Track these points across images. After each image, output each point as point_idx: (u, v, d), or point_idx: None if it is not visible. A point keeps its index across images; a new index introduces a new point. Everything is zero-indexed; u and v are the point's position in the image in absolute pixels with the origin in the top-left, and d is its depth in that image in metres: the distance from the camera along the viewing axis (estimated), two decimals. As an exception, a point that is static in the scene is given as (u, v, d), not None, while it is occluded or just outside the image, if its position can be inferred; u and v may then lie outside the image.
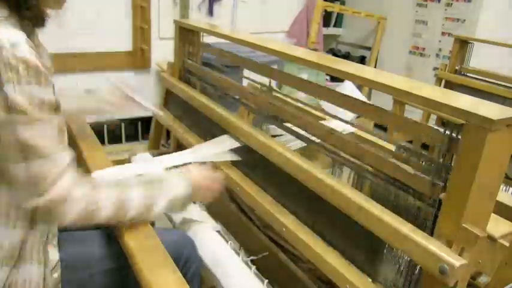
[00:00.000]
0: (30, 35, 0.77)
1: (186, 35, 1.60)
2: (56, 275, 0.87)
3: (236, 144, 1.20)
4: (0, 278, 0.79)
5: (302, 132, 1.07)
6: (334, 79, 3.71)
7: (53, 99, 0.72)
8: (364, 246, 0.85)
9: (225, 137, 1.24)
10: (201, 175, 1.01)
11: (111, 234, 0.96)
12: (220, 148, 1.21)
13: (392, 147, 0.93)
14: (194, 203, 1.19)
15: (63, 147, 0.77)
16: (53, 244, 0.88)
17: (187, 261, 0.98)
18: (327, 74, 3.39)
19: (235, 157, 1.20)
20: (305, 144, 1.09)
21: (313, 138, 1.03)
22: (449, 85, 2.41)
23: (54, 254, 0.87)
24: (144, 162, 1.34)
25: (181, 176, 0.96)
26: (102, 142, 2.63)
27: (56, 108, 0.74)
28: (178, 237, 1.03)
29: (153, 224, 1.16)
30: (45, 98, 0.70)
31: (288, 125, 1.12)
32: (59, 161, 0.74)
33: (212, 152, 1.20)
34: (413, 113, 2.51)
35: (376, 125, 3.50)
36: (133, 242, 0.86)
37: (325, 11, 3.69)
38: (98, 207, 0.80)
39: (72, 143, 1.20)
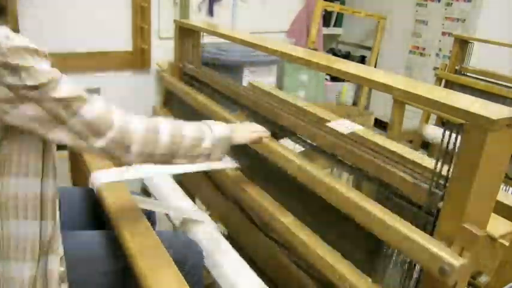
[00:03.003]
0: None
1: (186, 35, 1.60)
2: (62, 268, 0.87)
3: (234, 165, 1.21)
4: (26, 273, 0.79)
5: (301, 136, 1.07)
6: (334, 79, 3.71)
7: (55, 68, 0.76)
8: (364, 246, 0.85)
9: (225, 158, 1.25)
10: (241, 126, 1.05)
11: (111, 234, 0.96)
12: (218, 166, 1.21)
13: (392, 147, 0.93)
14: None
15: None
16: (60, 236, 0.88)
17: (192, 268, 0.98)
18: (327, 74, 3.39)
19: (234, 165, 1.21)
20: (302, 149, 1.09)
21: (312, 142, 1.03)
22: (449, 85, 2.41)
23: (61, 247, 0.87)
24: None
25: (223, 125, 0.99)
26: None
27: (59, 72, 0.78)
28: (184, 243, 1.03)
29: (153, 224, 1.16)
30: (51, 69, 0.74)
31: (287, 128, 1.12)
32: (100, 99, 0.79)
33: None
34: (413, 113, 2.52)
35: (376, 124, 3.50)
36: (134, 243, 0.86)
37: (325, 10, 3.69)
38: (157, 132, 0.83)
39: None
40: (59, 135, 0.75)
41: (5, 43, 0.68)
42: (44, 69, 0.72)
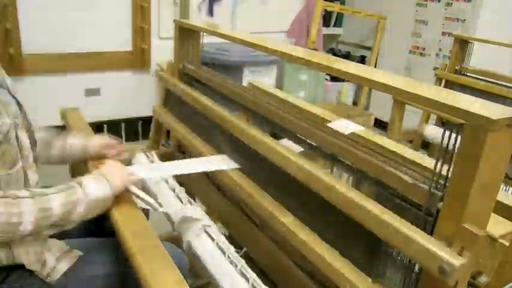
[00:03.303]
0: None
1: (186, 35, 1.60)
2: (49, 279, 0.86)
3: (234, 166, 1.21)
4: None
5: (301, 136, 1.07)
6: (334, 79, 3.71)
7: None
8: (364, 245, 0.85)
9: (223, 157, 1.25)
10: (112, 167, 1.00)
11: (109, 235, 0.96)
12: (217, 167, 1.22)
13: (392, 147, 0.93)
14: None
15: None
16: (50, 251, 0.88)
17: None
18: (327, 74, 3.39)
19: (233, 165, 1.21)
20: (301, 149, 1.09)
21: (312, 142, 1.03)
22: (449, 85, 2.41)
23: (51, 260, 0.87)
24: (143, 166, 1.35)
25: (98, 176, 0.94)
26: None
27: None
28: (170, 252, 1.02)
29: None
30: None
31: (286, 128, 1.12)
32: None
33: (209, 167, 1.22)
34: (413, 113, 2.52)
35: (376, 124, 3.51)
36: (134, 243, 0.86)
37: (325, 10, 3.69)
38: (19, 220, 0.77)
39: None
40: None
41: None
42: None
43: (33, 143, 0.95)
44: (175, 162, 1.32)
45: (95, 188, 0.89)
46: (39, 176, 0.94)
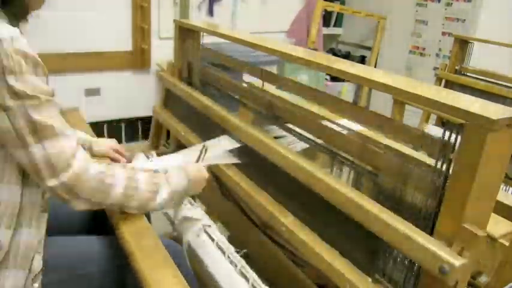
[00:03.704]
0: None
1: (186, 35, 1.60)
2: (36, 284, 0.84)
3: (236, 145, 1.20)
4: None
5: (303, 133, 1.07)
6: (334, 79, 3.71)
7: (50, 88, 0.75)
8: (364, 245, 0.85)
9: (224, 137, 1.24)
10: (197, 170, 1.04)
11: (110, 233, 0.96)
12: (220, 149, 1.21)
13: (392, 146, 0.93)
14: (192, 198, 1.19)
15: (69, 127, 0.79)
16: (38, 252, 0.86)
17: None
18: (327, 74, 3.39)
19: (234, 160, 1.21)
20: (306, 146, 1.09)
21: (313, 138, 1.03)
22: (449, 85, 2.41)
23: (38, 262, 0.85)
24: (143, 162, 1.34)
25: (182, 171, 0.98)
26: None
27: (52, 95, 0.77)
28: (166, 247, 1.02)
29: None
30: (44, 86, 0.73)
31: (289, 125, 1.12)
32: (72, 138, 0.77)
33: (212, 154, 1.21)
34: (413, 113, 2.52)
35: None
36: (134, 242, 0.86)
37: (325, 10, 3.69)
38: (112, 182, 0.82)
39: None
40: (21, 157, 0.73)
41: (9, 44, 0.67)
42: (35, 83, 0.70)
43: None
44: (174, 154, 1.29)
45: (177, 179, 0.95)
46: None
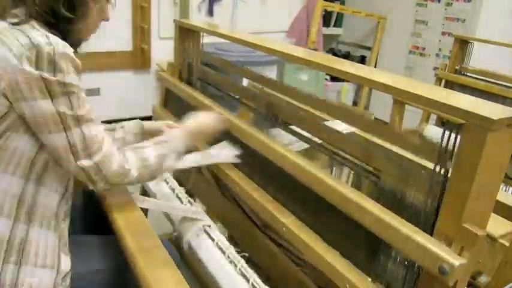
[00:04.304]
0: None
1: (186, 35, 1.60)
2: (65, 283, 0.87)
3: (235, 152, 1.21)
4: (8, 276, 0.80)
5: (303, 133, 1.07)
6: (334, 79, 3.71)
7: (81, 84, 0.84)
8: (363, 245, 0.85)
9: (224, 144, 1.25)
10: (201, 121, 1.17)
11: (110, 233, 0.97)
12: (221, 157, 1.23)
13: (392, 147, 0.93)
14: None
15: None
16: (64, 252, 0.89)
17: None
18: (327, 74, 3.39)
19: (235, 160, 1.21)
20: (306, 146, 1.09)
21: (314, 138, 1.03)
22: (449, 85, 2.41)
23: (66, 263, 0.88)
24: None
25: (183, 132, 1.10)
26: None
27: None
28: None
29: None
30: (79, 82, 0.83)
31: (289, 126, 1.12)
32: (100, 125, 0.89)
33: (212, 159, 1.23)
34: (413, 113, 2.52)
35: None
36: (134, 242, 0.86)
37: (325, 10, 3.69)
38: (129, 167, 0.90)
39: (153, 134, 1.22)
40: (56, 140, 0.80)
41: (56, 47, 0.77)
42: (74, 78, 0.81)
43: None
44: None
45: (181, 142, 1.06)
46: None
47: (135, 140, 1.21)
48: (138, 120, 1.25)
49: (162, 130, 1.21)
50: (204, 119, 1.18)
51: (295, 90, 1.12)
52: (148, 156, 0.95)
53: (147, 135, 1.21)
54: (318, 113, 1.26)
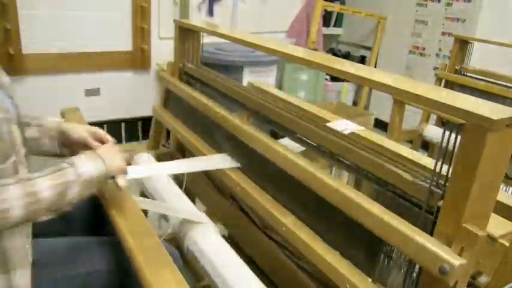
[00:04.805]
0: None
1: (186, 35, 1.60)
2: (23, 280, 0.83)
3: (234, 165, 1.21)
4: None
5: (301, 136, 1.07)
6: (334, 79, 3.71)
7: None
8: (364, 245, 0.85)
9: (224, 156, 1.25)
10: (109, 149, 0.96)
11: (110, 233, 0.97)
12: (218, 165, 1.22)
13: (392, 147, 0.93)
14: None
15: None
16: (31, 245, 0.85)
17: None
18: (327, 74, 3.39)
19: (233, 164, 1.21)
20: (303, 148, 1.09)
21: (312, 142, 1.04)
22: (449, 85, 2.41)
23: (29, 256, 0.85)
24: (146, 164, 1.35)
25: (92, 155, 0.90)
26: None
27: None
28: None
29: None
30: None
31: (289, 127, 1.12)
32: None
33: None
34: (413, 113, 2.52)
35: (376, 124, 3.51)
36: (134, 242, 0.86)
37: (325, 10, 3.69)
38: (6, 207, 0.74)
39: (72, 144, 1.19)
40: None
41: None
42: None
43: (24, 138, 0.91)
44: (174, 162, 1.32)
45: (88, 167, 0.85)
46: (31, 171, 0.92)
47: (50, 144, 1.03)
48: (58, 121, 1.06)
49: (85, 142, 1.01)
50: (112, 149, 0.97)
51: (293, 105, 1.12)
52: (40, 189, 0.77)
53: (66, 142, 1.03)
54: (318, 113, 1.26)
